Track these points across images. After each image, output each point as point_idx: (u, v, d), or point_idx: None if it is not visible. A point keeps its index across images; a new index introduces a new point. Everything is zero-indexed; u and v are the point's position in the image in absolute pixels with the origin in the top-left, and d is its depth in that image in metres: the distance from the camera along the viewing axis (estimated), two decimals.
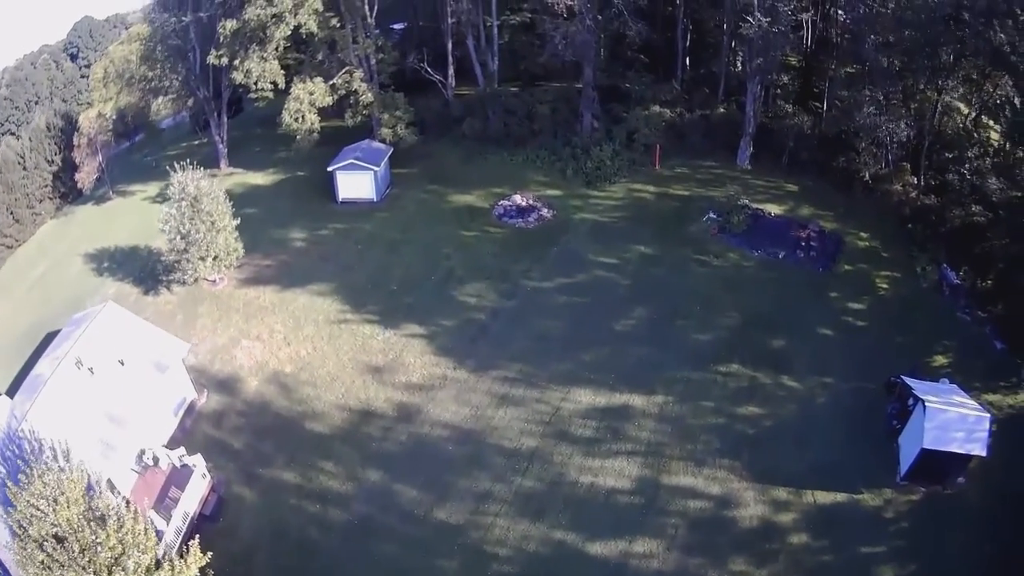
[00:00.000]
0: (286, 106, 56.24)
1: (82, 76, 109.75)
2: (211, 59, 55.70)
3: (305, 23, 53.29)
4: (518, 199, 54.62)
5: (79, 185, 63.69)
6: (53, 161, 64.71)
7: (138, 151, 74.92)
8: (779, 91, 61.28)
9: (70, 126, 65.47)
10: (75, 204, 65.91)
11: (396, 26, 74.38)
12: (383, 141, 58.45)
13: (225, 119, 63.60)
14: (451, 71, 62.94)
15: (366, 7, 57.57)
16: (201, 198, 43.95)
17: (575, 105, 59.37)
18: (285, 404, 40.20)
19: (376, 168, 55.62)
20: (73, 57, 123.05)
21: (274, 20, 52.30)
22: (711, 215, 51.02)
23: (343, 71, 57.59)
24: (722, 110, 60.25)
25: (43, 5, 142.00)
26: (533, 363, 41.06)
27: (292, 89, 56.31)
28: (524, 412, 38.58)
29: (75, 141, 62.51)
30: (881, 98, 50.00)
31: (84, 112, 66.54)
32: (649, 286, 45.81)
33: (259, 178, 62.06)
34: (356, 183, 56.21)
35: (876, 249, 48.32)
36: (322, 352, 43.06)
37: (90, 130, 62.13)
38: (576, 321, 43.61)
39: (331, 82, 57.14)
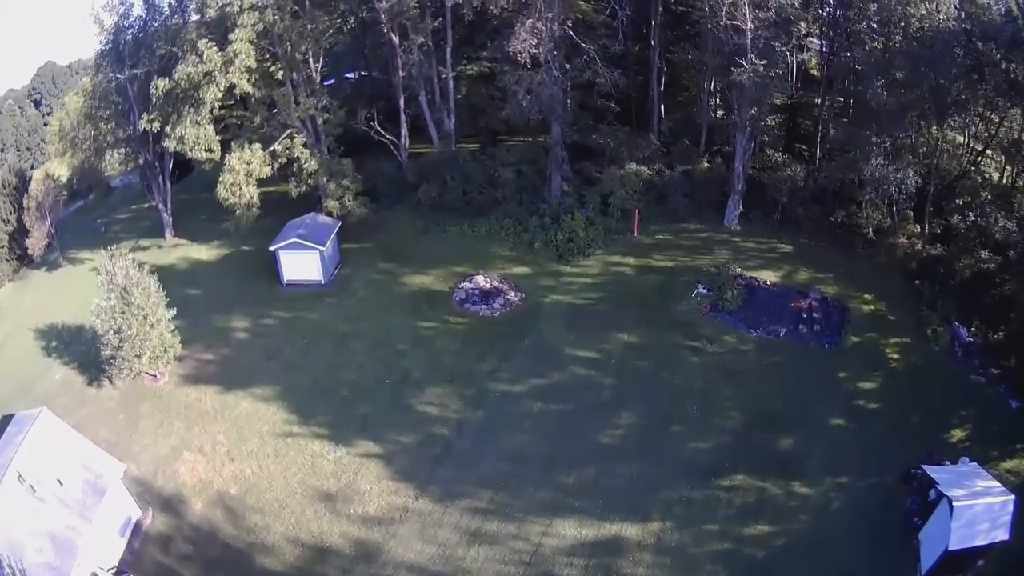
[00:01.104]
0: (221, 178, 51.21)
1: (45, 124, 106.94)
2: (143, 123, 51.62)
3: (238, 83, 48.40)
4: (481, 280, 49.61)
5: (29, 251, 59.80)
6: (8, 221, 60.40)
7: (89, 212, 70.44)
8: (767, 137, 57.28)
9: (24, 184, 62.03)
10: (30, 268, 61.73)
11: (349, 75, 69.74)
12: (330, 214, 53.44)
13: (168, 185, 58.73)
14: (404, 130, 57.85)
15: (310, 61, 53.07)
16: (131, 289, 40.00)
17: (542, 166, 54.66)
18: (233, 533, 35.25)
19: (322, 248, 50.58)
20: (36, 103, 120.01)
21: (206, 79, 47.76)
22: (700, 290, 46.51)
23: (285, 135, 52.70)
24: (706, 164, 56.07)
25: (10, 48, 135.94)
26: (507, 490, 35.80)
27: (227, 158, 51.24)
28: (500, 551, 33.23)
29: (24, 204, 58.85)
30: (887, 144, 46.49)
31: (35, 172, 64.11)
32: (636, 384, 40.84)
33: (204, 252, 57.29)
34: (301, 264, 51.20)
35: (883, 314, 44.78)
36: (269, 472, 37.92)
37: (38, 193, 58.60)
38: (555, 434, 38.43)
39: (271, 148, 52.22)
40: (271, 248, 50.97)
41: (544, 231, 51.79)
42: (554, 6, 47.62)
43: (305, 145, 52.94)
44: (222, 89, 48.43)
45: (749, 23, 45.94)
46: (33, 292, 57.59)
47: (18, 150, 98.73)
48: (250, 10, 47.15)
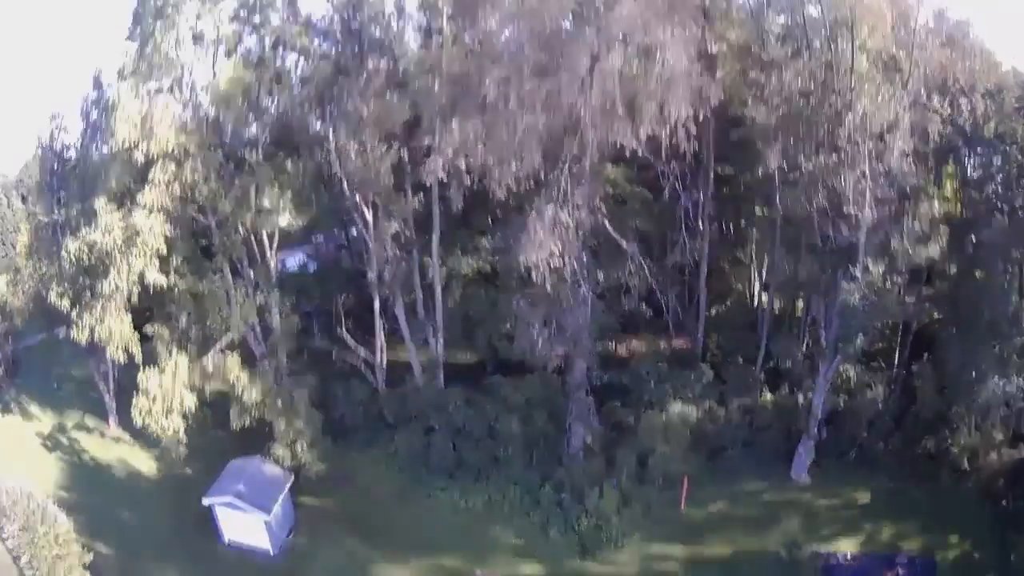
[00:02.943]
0: (135, 402, 39.83)
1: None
2: (52, 296, 42.98)
3: (144, 270, 37.50)
4: None
5: None
6: None
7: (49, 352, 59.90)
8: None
9: None
10: None
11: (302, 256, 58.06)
12: (278, 462, 41.61)
13: (111, 365, 47.14)
14: (380, 341, 45.72)
15: (253, 241, 42.50)
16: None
17: (558, 409, 42.05)
18: None
19: (266, 516, 39.07)
20: (24, 198, 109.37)
21: (108, 258, 37.73)
22: None
23: (217, 346, 41.64)
24: (769, 396, 44.22)
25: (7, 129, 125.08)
26: None
27: (139, 377, 39.81)
28: None
29: None
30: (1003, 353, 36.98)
31: None
32: None
33: (144, 459, 47.15)
34: (244, 524, 39.98)
35: (968, 552, 37.38)
36: None
37: None
38: None
39: (202, 362, 41.09)
40: (205, 501, 39.80)
41: (563, 512, 39.56)
42: (584, 181, 35.61)
43: (245, 363, 41.80)
44: (124, 278, 37.53)
45: (868, 209, 34.95)
46: None
47: (2, 244, 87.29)
48: (165, 160, 36.53)
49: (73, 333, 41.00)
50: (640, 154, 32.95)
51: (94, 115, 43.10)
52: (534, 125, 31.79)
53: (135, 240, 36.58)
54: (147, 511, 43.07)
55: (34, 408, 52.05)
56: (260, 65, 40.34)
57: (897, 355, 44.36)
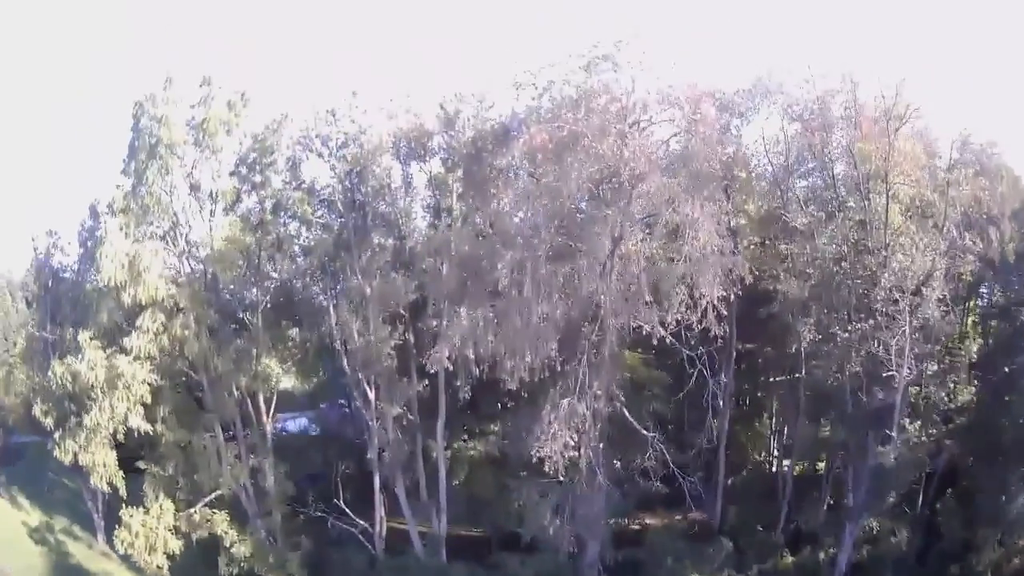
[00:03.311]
0: (116, 533, 38.04)
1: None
2: (36, 412, 41.03)
3: (128, 415, 35.67)
4: None
5: None
6: None
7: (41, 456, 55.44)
8: None
9: None
10: None
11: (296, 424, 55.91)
12: None
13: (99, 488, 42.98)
14: (380, 513, 42.49)
15: (250, 405, 40.44)
16: None
17: None
18: None
19: None
20: (28, 303, 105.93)
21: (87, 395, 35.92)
22: None
23: (204, 501, 39.52)
24: (790, 558, 41.67)
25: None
26: None
27: (123, 514, 37.87)
28: None
29: None
30: None
31: None
32: None
33: None
34: None
35: None
36: None
37: None
38: None
39: (188, 513, 39.20)
40: None
41: None
42: (603, 371, 33.05)
43: (230, 526, 39.38)
44: (106, 417, 35.60)
45: (906, 370, 33.25)
46: None
47: (4, 339, 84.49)
48: (154, 308, 34.94)
49: (56, 452, 39.02)
50: (664, 340, 30.64)
51: (90, 244, 41.48)
52: (550, 313, 30.10)
53: (117, 383, 34.89)
54: None
55: (23, 500, 49.21)
56: (261, 228, 38.82)
57: (921, 496, 42.28)
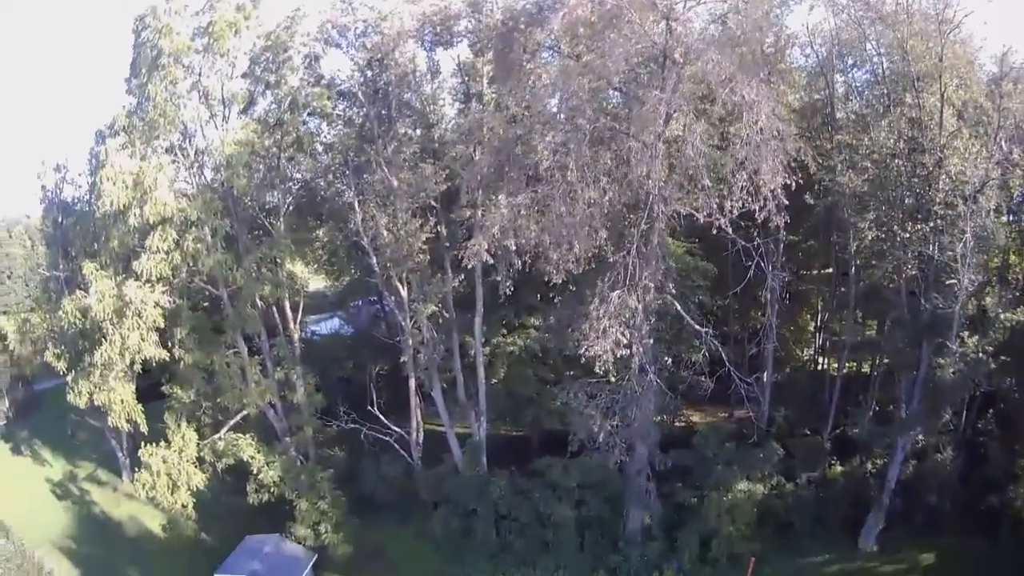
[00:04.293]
0: (138, 476, 37.14)
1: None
2: (49, 356, 41.93)
3: (141, 345, 34.06)
4: None
5: None
6: None
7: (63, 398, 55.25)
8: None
9: None
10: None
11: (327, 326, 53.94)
12: (301, 542, 38.15)
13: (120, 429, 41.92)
14: (416, 420, 41.51)
15: (275, 314, 39.51)
16: None
17: (615, 492, 37.76)
18: None
19: None
20: (48, 244, 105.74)
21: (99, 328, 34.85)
22: None
23: (229, 424, 38.70)
24: (839, 468, 40.60)
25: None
26: None
27: (142, 453, 36.94)
28: None
29: None
30: None
31: None
32: None
33: (155, 518, 43.45)
34: None
35: None
36: None
37: None
38: None
39: (209, 440, 38.52)
40: None
41: None
42: (652, 261, 30.84)
43: (257, 449, 38.53)
44: (116, 351, 33.97)
45: (967, 280, 31.24)
46: None
47: (26, 284, 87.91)
48: (165, 225, 33.01)
49: (70, 396, 38.27)
50: (712, 230, 27.94)
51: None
52: (598, 199, 27.66)
53: (127, 312, 33.27)
54: (156, 573, 40.32)
55: (46, 453, 50.10)
56: (279, 128, 36.55)
57: (964, 415, 40.42)
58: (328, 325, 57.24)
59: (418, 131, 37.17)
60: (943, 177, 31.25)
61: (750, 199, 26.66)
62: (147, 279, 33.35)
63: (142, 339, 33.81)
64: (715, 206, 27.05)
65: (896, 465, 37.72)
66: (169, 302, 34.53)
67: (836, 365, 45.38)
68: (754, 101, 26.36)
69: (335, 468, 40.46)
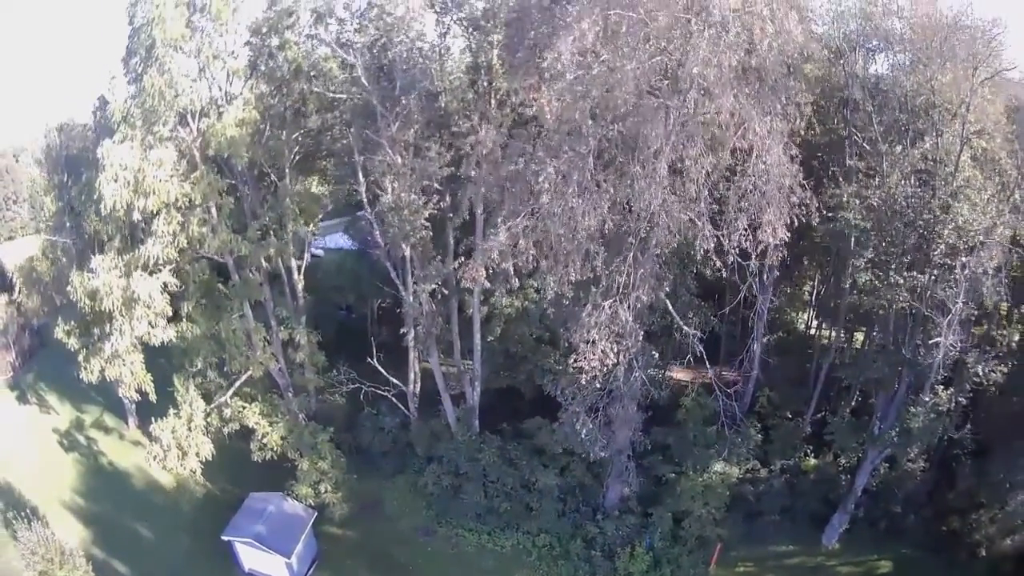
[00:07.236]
0: (148, 448, 39.22)
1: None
2: (58, 331, 39.67)
3: (150, 332, 34.68)
4: None
5: None
6: None
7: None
8: None
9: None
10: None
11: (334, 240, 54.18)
12: (301, 500, 39.70)
13: None
14: (414, 372, 42.48)
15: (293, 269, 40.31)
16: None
17: (600, 461, 38.49)
18: None
19: (287, 559, 37.60)
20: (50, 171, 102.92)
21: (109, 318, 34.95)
22: None
23: (235, 386, 39.49)
24: (813, 461, 41.55)
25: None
26: None
27: (152, 430, 38.75)
28: None
29: None
30: None
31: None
32: None
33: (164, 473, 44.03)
34: (264, 559, 38.36)
35: None
36: None
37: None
38: None
39: (215, 404, 39.48)
40: (224, 538, 38.07)
41: (590, 566, 37.78)
42: (648, 264, 29.75)
43: (263, 413, 39.71)
44: (127, 338, 34.60)
45: (951, 335, 31.13)
46: None
47: (32, 207, 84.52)
48: (169, 209, 32.65)
49: (82, 374, 38.47)
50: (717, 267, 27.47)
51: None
52: (597, 227, 26.99)
53: (134, 305, 33.20)
54: (165, 528, 41.36)
55: (52, 399, 49.78)
56: (285, 86, 35.76)
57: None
58: (333, 240, 56.96)
59: (423, 101, 34.75)
60: (949, 227, 30.31)
61: (748, 245, 26.00)
62: (154, 265, 33.16)
63: (151, 325, 34.10)
64: (712, 247, 26.29)
65: (864, 474, 38.60)
66: (176, 285, 34.55)
67: (829, 335, 46.18)
68: (764, 143, 25.12)
69: (335, 419, 41.76)
